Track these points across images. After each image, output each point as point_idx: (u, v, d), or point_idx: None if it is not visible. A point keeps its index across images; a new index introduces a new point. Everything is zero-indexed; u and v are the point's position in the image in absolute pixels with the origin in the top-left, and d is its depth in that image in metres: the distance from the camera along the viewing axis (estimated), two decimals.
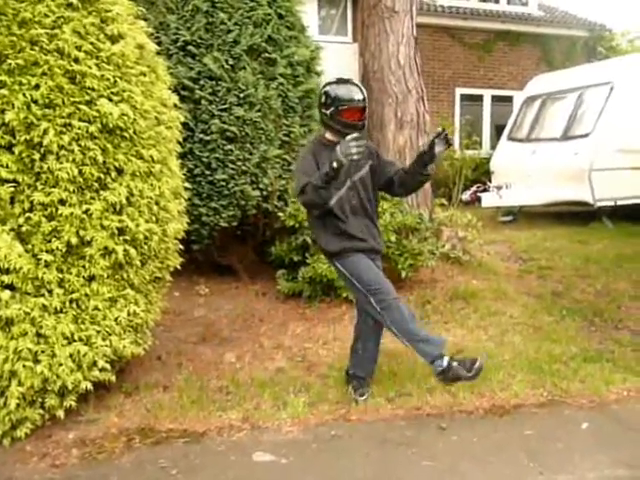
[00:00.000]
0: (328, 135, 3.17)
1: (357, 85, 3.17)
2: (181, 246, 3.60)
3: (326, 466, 2.69)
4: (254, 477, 2.61)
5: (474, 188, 9.85)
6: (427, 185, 5.52)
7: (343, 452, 2.80)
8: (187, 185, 3.74)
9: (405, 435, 2.94)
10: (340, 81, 3.18)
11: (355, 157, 2.77)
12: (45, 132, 2.68)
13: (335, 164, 2.80)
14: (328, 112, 3.10)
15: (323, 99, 3.13)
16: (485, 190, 9.20)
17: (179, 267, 3.59)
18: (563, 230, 7.39)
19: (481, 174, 9.66)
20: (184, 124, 3.84)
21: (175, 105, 3.51)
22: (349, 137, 2.78)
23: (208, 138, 4.58)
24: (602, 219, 7.75)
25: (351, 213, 3.12)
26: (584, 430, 2.98)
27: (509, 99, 11.97)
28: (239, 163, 4.62)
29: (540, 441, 2.87)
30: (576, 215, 8.14)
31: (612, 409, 3.19)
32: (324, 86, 3.21)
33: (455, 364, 2.96)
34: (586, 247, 6.43)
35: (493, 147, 10.44)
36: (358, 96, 3.09)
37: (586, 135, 7.73)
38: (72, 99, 2.76)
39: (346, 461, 2.72)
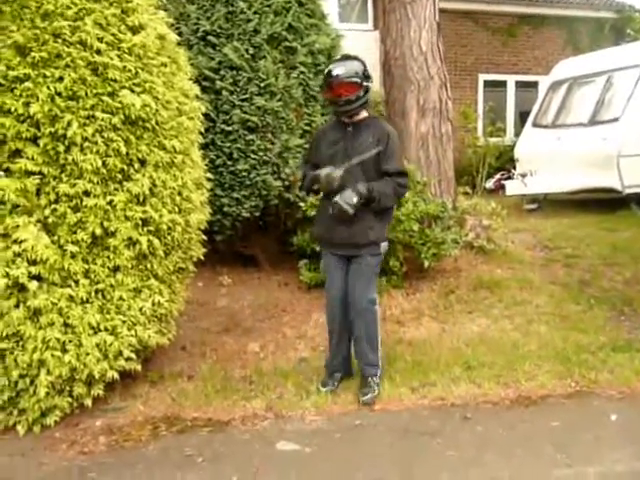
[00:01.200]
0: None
1: (350, 60, 3.11)
2: (204, 237, 3.61)
3: (349, 455, 2.69)
4: (278, 466, 2.63)
5: (498, 176, 9.70)
6: (450, 173, 5.47)
7: (367, 442, 2.80)
8: (209, 176, 3.76)
9: (429, 425, 2.92)
10: (340, 58, 3.21)
11: (330, 186, 3.00)
12: (69, 124, 2.70)
13: (316, 186, 3.12)
14: (324, 89, 3.18)
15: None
16: (509, 178, 9.05)
17: (202, 258, 3.61)
18: (590, 218, 7.23)
19: (505, 162, 9.50)
20: (205, 115, 3.84)
21: (196, 96, 3.51)
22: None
23: (229, 128, 4.58)
24: (630, 206, 7.55)
25: None
26: (613, 422, 2.92)
27: (534, 84, 11.70)
28: (260, 153, 4.61)
29: (567, 432, 2.83)
30: (603, 202, 7.94)
31: None
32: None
33: (324, 378, 3.27)
34: (614, 235, 6.28)
35: (517, 134, 10.23)
36: (336, 70, 3.03)
37: (615, 120, 7.52)
38: (95, 91, 2.78)
39: (369, 451, 2.72)
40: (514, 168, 8.99)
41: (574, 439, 2.77)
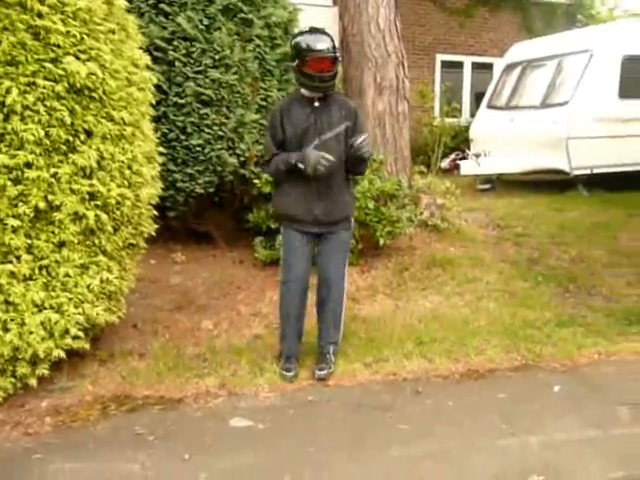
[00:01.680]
0: (303, 90, 3.08)
1: (327, 34, 3.02)
2: (156, 212, 3.52)
3: (303, 430, 2.71)
4: (231, 442, 2.62)
5: (453, 156, 9.84)
6: (406, 152, 5.50)
7: (320, 417, 2.82)
8: (161, 150, 3.64)
9: (381, 399, 2.97)
10: (307, 31, 3.05)
11: (318, 171, 2.90)
12: (8, 91, 2.55)
13: (301, 166, 2.91)
14: (294, 64, 3.02)
15: (291, 51, 3.05)
16: (464, 158, 9.20)
17: (154, 234, 3.52)
18: (540, 198, 7.46)
19: (460, 142, 9.63)
20: (157, 86, 3.71)
21: (147, 66, 3.38)
22: (323, 154, 2.89)
23: (183, 101, 4.45)
24: (578, 187, 7.82)
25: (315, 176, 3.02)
26: (556, 393, 3.04)
27: (489, 66, 11.87)
28: (215, 128, 4.50)
29: (513, 404, 2.93)
30: (553, 183, 8.20)
31: (583, 372, 3.26)
32: (294, 37, 3.10)
33: (285, 357, 3.22)
34: (562, 215, 6.50)
35: (473, 115, 10.39)
36: (320, 45, 2.95)
37: (564, 103, 7.73)
38: (36, 56, 2.62)
39: (323, 425, 2.74)
40: (469, 148, 9.14)
41: (519, 410, 2.87)
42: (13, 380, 2.81)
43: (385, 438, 2.64)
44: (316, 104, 3.06)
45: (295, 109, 3.06)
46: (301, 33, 3.08)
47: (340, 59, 3.15)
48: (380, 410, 2.87)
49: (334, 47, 2.99)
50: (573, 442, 2.62)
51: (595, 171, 7.74)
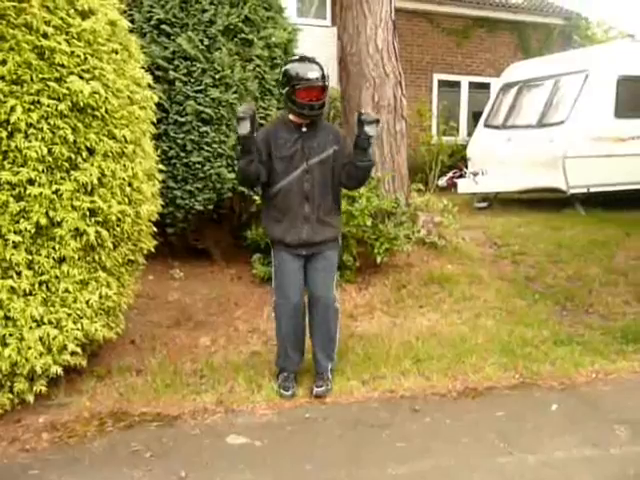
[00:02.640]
0: (291, 116, 3.13)
1: (318, 64, 3.06)
2: (155, 229, 3.55)
3: (300, 448, 2.70)
4: (228, 460, 2.61)
5: (450, 174, 9.92)
6: (404, 170, 5.55)
7: (317, 434, 2.82)
8: (162, 167, 3.69)
9: (379, 417, 2.97)
10: (300, 59, 3.10)
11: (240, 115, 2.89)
12: (12, 109, 2.60)
13: (237, 126, 2.91)
14: (284, 91, 3.06)
15: (282, 78, 3.09)
16: (461, 176, 9.26)
17: (153, 250, 3.54)
18: (537, 216, 7.49)
19: (458, 160, 9.73)
20: (158, 105, 3.77)
21: (149, 85, 3.44)
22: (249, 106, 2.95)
23: (183, 120, 4.50)
24: (575, 206, 7.87)
25: (304, 198, 3.07)
26: (553, 411, 3.04)
27: (486, 86, 12.02)
28: (215, 145, 4.55)
29: (511, 422, 2.93)
30: (550, 202, 8.25)
31: (581, 391, 3.26)
32: (285, 64, 3.15)
33: (283, 376, 3.22)
34: (559, 233, 6.53)
35: (470, 133, 10.49)
36: (312, 75, 2.99)
37: (561, 123, 7.82)
38: (41, 75, 2.68)
39: (320, 443, 2.74)
40: (466, 167, 9.21)
41: (517, 428, 2.87)
42: (10, 396, 2.82)
43: (382, 456, 2.64)
44: (304, 129, 3.10)
45: (282, 134, 3.10)
46: (292, 61, 3.14)
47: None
48: (377, 428, 2.86)
49: (324, 76, 3.03)
50: (571, 461, 2.61)
51: (592, 190, 7.80)
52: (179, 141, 4.52)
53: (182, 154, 4.53)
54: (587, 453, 2.67)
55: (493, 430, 2.84)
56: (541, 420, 2.94)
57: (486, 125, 9.28)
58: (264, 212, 3.27)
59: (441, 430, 2.86)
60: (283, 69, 3.11)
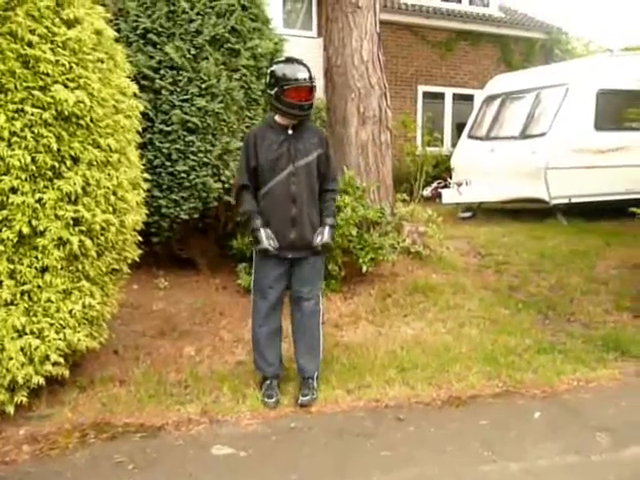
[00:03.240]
0: (277, 117, 3.14)
1: (304, 65, 3.10)
2: (140, 238, 3.53)
3: (285, 458, 2.69)
4: (212, 470, 2.59)
5: (435, 184, 10.01)
6: (389, 180, 5.60)
7: (302, 444, 2.81)
8: (147, 176, 3.67)
9: (364, 426, 2.97)
10: (287, 60, 3.14)
11: (266, 251, 3.09)
12: None
13: (255, 239, 3.13)
14: (273, 92, 3.06)
15: (269, 79, 3.10)
16: (446, 186, 9.35)
17: (138, 260, 3.53)
18: (520, 226, 7.59)
19: (442, 171, 9.83)
20: (144, 114, 3.76)
21: (135, 94, 3.43)
22: (271, 241, 3.10)
23: (169, 129, 4.50)
24: (557, 216, 7.99)
25: (291, 201, 3.10)
26: (536, 419, 3.07)
27: (470, 97, 12.19)
28: (200, 155, 4.54)
29: (494, 430, 2.95)
30: (533, 212, 8.37)
31: (563, 398, 3.30)
32: (270, 65, 3.18)
33: (265, 384, 3.23)
34: (541, 243, 6.62)
35: (454, 144, 10.62)
36: (301, 75, 3.03)
37: (543, 134, 7.94)
38: (25, 84, 2.67)
39: (305, 452, 2.74)
40: (450, 177, 9.31)
41: (500, 436, 2.89)
42: None
43: (368, 465, 2.64)
44: (290, 132, 3.13)
45: (269, 136, 3.13)
46: (279, 62, 3.17)
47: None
48: (363, 437, 2.87)
49: (312, 77, 3.07)
50: (553, 468, 2.64)
51: (573, 200, 7.92)
52: (164, 150, 4.50)
53: (167, 163, 4.52)
54: (569, 460, 2.70)
55: (477, 438, 2.86)
56: (524, 428, 2.97)
57: (470, 136, 9.40)
58: None
59: (426, 439, 2.87)
60: (270, 70, 3.12)
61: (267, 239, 3.07)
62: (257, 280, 3.25)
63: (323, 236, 3.16)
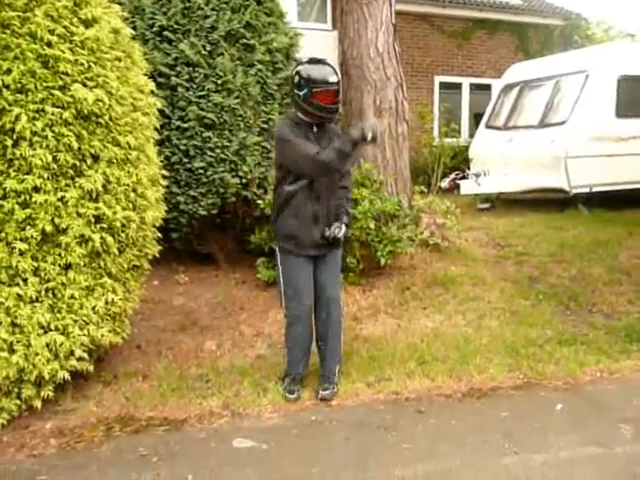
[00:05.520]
0: (301, 115, 3.13)
1: (331, 66, 3.08)
2: (160, 234, 3.57)
3: (306, 451, 2.71)
4: (234, 463, 2.62)
5: (453, 175, 9.89)
6: (406, 172, 5.57)
7: (323, 437, 2.83)
8: (165, 173, 3.70)
9: (385, 419, 2.97)
10: (313, 61, 3.10)
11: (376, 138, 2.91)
12: (17, 118, 2.62)
13: (368, 135, 2.87)
14: (301, 94, 3.03)
15: (296, 80, 3.06)
16: (464, 177, 9.26)
17: (158, 256, 3.57)
18: (540, 217, 7.50)
19: (460, 162, 9.72)
20: (161, 111, 3.79)
21: (152, 91, 3.46)
22: (343, 230, 3.12)
23: (186, 125, 4.53)
24: (577, 206, 7.87)
25: (315, 199, 3.09)
26: (558, 411, 3.05)
27: (487, 87, 12.03)
28: (217, 150, 4.58)
29: (516, 422, 2.93)
30: (552, 202, 8.25)
31: (585, 390, 3.27)
32: (297, 66, 3.14)
33: (288, 379, 3.23)
34: (562, 233, 6.53)
35: (472, 135, 10.50)
36: (332, 78, 3.02)
37: (562, 123, 7.82)
38: (45, 84, 2.70)
39: (326, 445, 2.75)
40: (468, 168, 9.21)
41: (522, 428, 2.88)
42: (18, 402, 2.84)
43: (389, 458, 2.65)
44: (315, 129, 3.12)
45: (302, 133, 3.09)
46: (305, 62, 3.13)
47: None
48: (383, 430, 2.87)
49: (339, 80, 3.08)
50: (576, 460, 2.62)
51: (594, 189, 7.80)
52: (182, 147, 4.55)
53: (185, 159, 4.56)
54: (592, 452, 2.67)
55: (498, 431, 2.85)
56: (546, 420, 2.95)
57: (488, 126, 9.29)
58: (275, 214, 3.23)
59: (447, 431, 2.87)
60: (296, 70, 3.07)
61: (368, 128, 2.90)
62: (289, 281, 3.18)
63: (340, 230, 3.13)
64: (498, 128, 8.96)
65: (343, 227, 3.17)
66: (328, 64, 3.10)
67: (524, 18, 12.58)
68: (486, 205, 8.77)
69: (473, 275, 5.08)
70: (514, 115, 8.85)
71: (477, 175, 8.51)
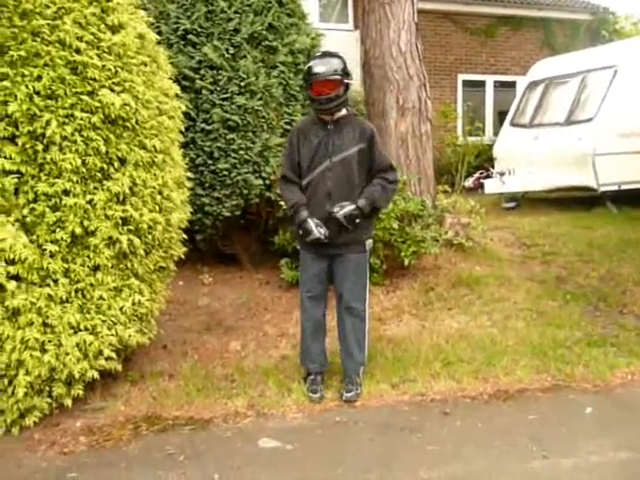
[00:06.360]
0: (312, 111, 3.18)
1: (331, 57, 3.07)
2: (185, 236, 3.61)
3: (330, 451, 2.72)
4: (259, 463, 2.64)
5: (477, 174, 9.81)
6: (430, 172, 5.54)
7: (347, 438, 2.83)
8: (190, 175, 3.75)
9: (409, 420, 2.96)
10: (317, 55, 3.15)
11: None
12: (48, 123, 2.69)
13: (300, 230, 3.09)
14: (306, 91, 3.14)
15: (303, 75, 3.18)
16: (488, 176, 9.16)
17: (183, 257, 3.61)
18: (566, 216, 7.37)
19: (484, 160, 9.62)
20: (185, 114, 3.84)
21: (176, 95, 3.51)
22: (321, 230, 3.04)
23: (210, 127, 4.58)
24: (606, 204, 7.71)
25: (326, 196, 3.07)
26: (588, 414, 2.99)
27: (512, 84, 11.87)
28: (241, 152, 4.61)
29: (544, 425, 2.89)
30: (579, 200, 8.10)
31: (616, 393, 3.20)
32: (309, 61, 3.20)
33: (310, 379, 3.25)
34: (590, 232, 6.41)
35: (496, 133, 10.38)
36: (317, 69, 3.01)
37: (589, 120, 7.68)
38: (74, 90, 2.76)
39: (350, 446, 2.75)
40: (493, 167, 9.11)
41: (550, 432, 2.83)
42: (49, 400, 2.91)
43: (414, 459, 2.64)
44: (329, 126, 3.11)
45: (310, 131, 3.14)
46: (313, 57, 3.19)
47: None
48: (408, 431, 2.86)
49: (335, 70, 3.02)
50: (607, 465, 2.57)
51: (623, 187, 7.63)
52: (206, 149, 4.59)
53: (209, 161, 4.60)
54: (623, 457, 2.62)
55: (526, 434, 2.81)
56: (575, 423, 2.90)
57: (512, 124, 9.17)
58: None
59: (472, 433, 2.84)
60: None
61: (317, 227, 3.04)
62: (300, 276, 3.32)
63: (341, 209, 3.03)
64: (523, 126, 8.84)
65: (350, 206, 3.04)
66: (329, 55, 3.10)
67: (550, 13, 12.38)
68: (511, 204, 8.65)
69: (499, 275, 5.02)
70: (539, 112, 8.72)
71: (502, 174, 8.41)
